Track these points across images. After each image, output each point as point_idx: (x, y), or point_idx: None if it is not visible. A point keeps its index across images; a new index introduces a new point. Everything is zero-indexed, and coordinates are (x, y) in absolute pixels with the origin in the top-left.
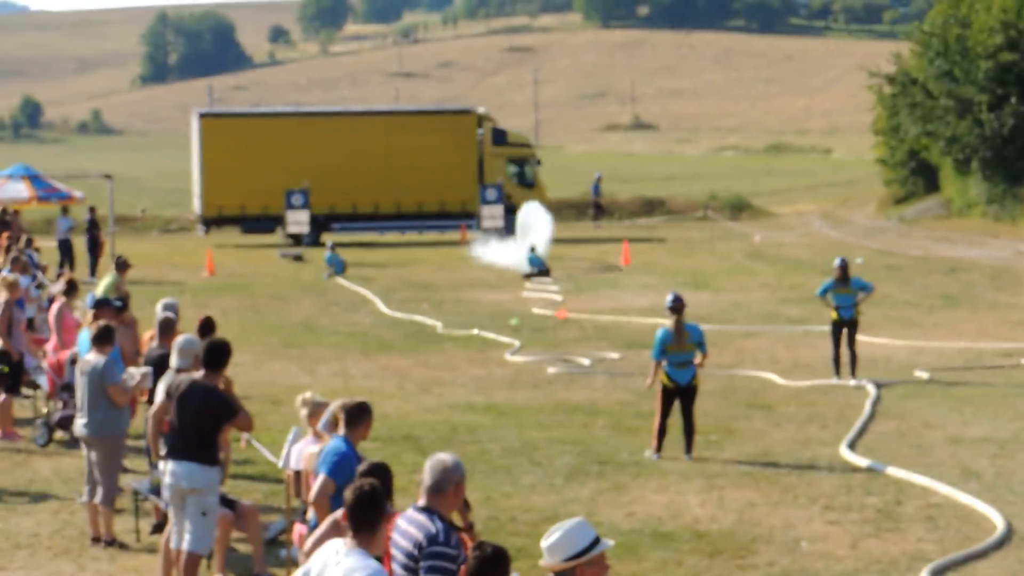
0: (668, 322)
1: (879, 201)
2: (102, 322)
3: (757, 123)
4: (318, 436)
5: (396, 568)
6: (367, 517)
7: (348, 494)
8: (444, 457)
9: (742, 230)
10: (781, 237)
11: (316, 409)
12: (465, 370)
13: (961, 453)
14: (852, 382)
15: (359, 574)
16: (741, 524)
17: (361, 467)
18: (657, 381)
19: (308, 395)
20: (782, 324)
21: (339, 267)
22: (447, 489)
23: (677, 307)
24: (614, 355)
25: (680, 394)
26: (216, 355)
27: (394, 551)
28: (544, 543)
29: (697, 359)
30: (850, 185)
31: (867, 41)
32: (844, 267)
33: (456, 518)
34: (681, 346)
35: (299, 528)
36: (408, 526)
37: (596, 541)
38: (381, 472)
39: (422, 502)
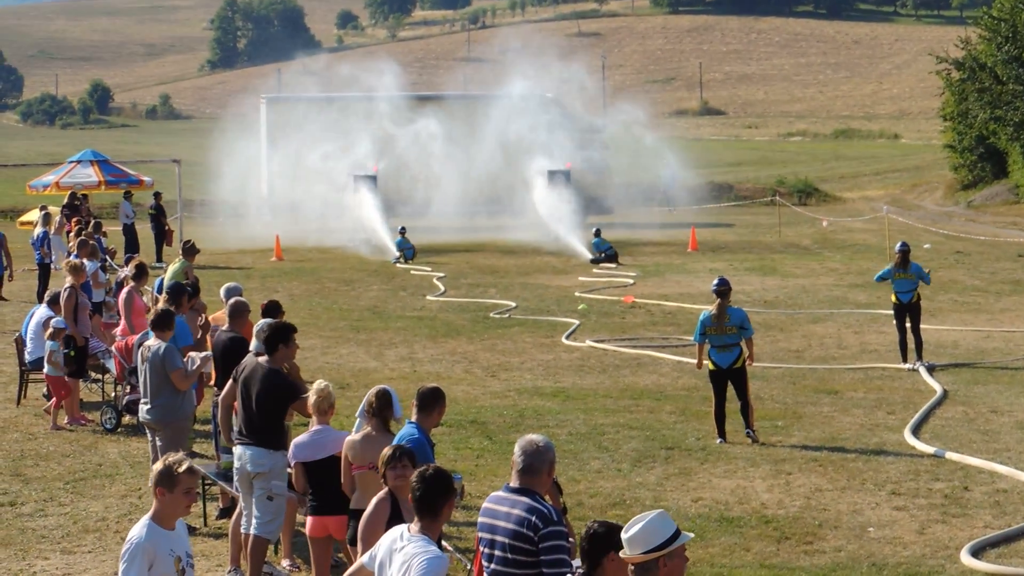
0: (712, 306)
1: (947, 186)
2: (160, 307)
3: (825, 108)
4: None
5: (495, 552)
6: (430, 502)
7: (413, 479)
8: (535, 438)
9: (810, 215)
10: (849, 222)
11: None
12: (532, 355)
13: None
14: (907, 366)
15: (420, 559)
16: (808, 509)
17: (392, 452)
18: (705, 365)
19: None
20: (850, 309)
21: (409, 252)
22: (541, 470)
23: (719, 291)
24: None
25: (728, 376)
26: (276, 337)
27: (489, 535)
28: (625, 535)
29: (744, 344)
30: (918, 171)
31: (935, 26)
32: (904, 252)
33: (548, 502)
34: (722, 329)
35: None
36: (510, 508)
37: (677, 533)
38: (410, 456)
39: (515, 483)
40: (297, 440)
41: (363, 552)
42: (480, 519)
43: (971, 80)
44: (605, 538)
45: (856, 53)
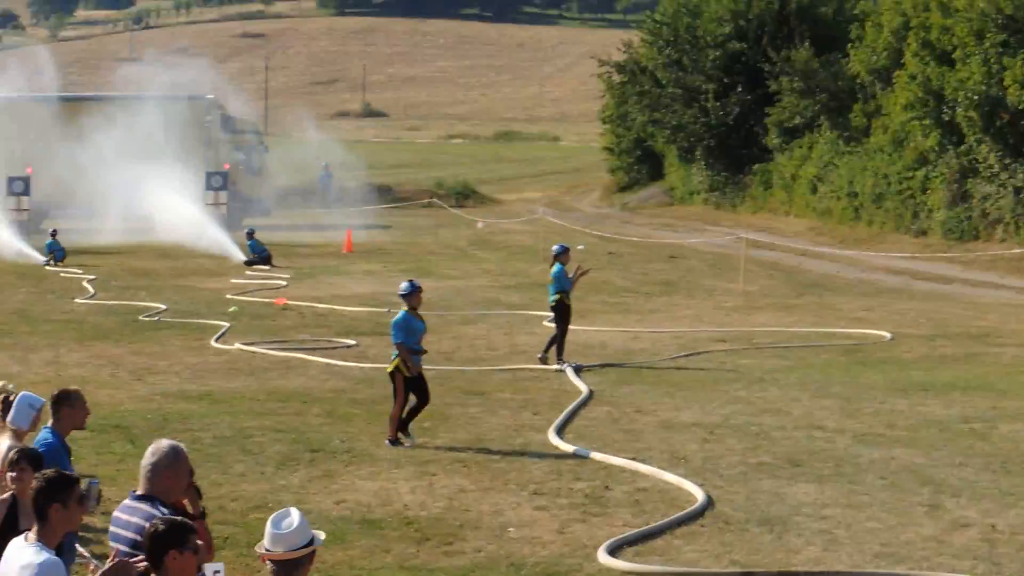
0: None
1: (604, 188)
2: None
3: (487, 111)
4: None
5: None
6: (39, 506)
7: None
8: (160, 442)
9: (467, 217)
10: (506, 224)
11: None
12: (180, 358)
13: (672, 438)
14: (554, 367)
15: (31, 568)
16: (450, 510)
17: (12, 455)
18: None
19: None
20: (501, 310)
21: (60, 254)
22: (158, 475)
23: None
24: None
25: None
26: None
27: (114, 543)
28: (273, 531)
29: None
30: (577, 173)
31: (600, 30)
32: (554, 255)
33: (188, 507)
34: None
35: None
36: (130, 516)
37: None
38: (30, 459)
39: (140, 490)
40: None
41: None
42: (110, 527)
43: (632, 83)
44: (166, 536)
45: (520, 56)
